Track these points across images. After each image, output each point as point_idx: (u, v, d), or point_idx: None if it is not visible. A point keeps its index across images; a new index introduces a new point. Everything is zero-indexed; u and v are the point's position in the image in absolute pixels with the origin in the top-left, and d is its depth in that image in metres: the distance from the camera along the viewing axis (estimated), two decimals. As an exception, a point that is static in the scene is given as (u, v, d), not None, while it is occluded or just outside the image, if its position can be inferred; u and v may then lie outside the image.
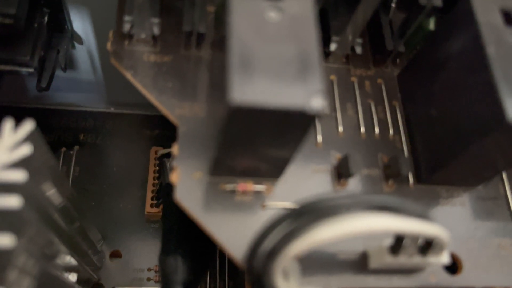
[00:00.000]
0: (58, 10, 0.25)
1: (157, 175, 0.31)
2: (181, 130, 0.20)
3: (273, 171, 0.19)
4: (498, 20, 0.18)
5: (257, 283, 0.16)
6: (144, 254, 0.31)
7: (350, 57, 0.23)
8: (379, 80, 0.23)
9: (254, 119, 0.15)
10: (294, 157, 0.18)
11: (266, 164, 0.18)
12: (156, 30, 0.20)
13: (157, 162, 0.32)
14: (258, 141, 0.16)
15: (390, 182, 0.20)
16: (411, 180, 0.21)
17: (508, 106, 0.16)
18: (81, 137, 0.33)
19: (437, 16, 0.21)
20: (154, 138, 0.34)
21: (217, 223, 0.18)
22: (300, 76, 0.15)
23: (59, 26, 0.26)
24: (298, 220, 0.15)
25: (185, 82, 0.21)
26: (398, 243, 0.17)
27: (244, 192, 0.19)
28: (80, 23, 0.29)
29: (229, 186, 0.19)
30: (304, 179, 0.20)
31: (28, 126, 0.16)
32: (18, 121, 0.34)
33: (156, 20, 0.20)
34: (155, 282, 0.30)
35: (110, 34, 0.21)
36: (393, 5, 0.22)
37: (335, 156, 0.21)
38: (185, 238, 0.22)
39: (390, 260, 0.17)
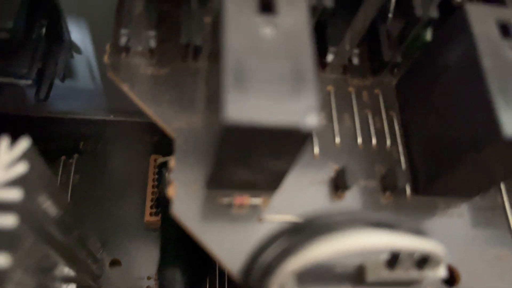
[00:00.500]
0: (56, 20, 0.25)
1: (156, 183, 0.31)
2: (178, 143, 0.20)
3: (269, 184, 0.19)
4: (495, 32, 0.18)
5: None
6: (144, 262, 0.31)
7: (347, 67, 0.23)
8: (377, 90, 0.23)
9: (249, 136, 0.15)
10: (291, 170, 0.18)
11: (263, 177, 0.18)
12: (152, 43, 0.20)
13: (156, 170, 0.32)
14: (254, 156, 0.16)
15: (387, 193, 0.20)
16: (408, 191, 0.21)
17: (503, 121, 0.16)
18: (81, 145, 0.34)
19: (434, 26, 0.20)
20: (154, 146, 0.34)
21: (214, 237, 0.18)
22: (295, 92, 0.15)
23: (57, 37, 0.26)
24: (295, 236, 0.15)
25: (182, 94, 0.21)
26: (395, 257, 0.17)
27: (241, 206, 0.19)
28: (77, 32, 0.29)
29: (225, 200, 0.19)
30: (301, 191, 0.20)
31: (24, 143, 0.16)
32: (17, 129, 0.34)
33: (152, 33, 0.20)
34: (155, 290, 0.30)
35: (107, 46, 0.21)
36: (390, 15, 0.22)
37: (333, 168, 0.21)
38: (183, 250, 0.22)
39: (387, 274, 0.17)
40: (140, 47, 0.21)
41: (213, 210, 0.19)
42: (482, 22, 0.18)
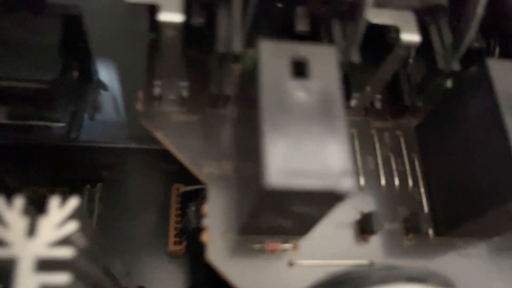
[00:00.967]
0: (86, 62, 0.26)
1: (179, 212, 0.32)
2: (210, 190, 0.21)
3: (300, 230, 0.20)
4: (515, 87, 0.18)
5: None
6: (168, 289, 0.32)
7: (369, 110, 0.24)
8: (398, 132, 0.24)
9: (287, 197, 0.16)
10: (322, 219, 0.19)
11: (295, 225, 0.19)
12: (185, 93, 0.21)
13: (179, 199, 0.32)
14: (288, 210, 0.17)
15: (411, 235, 0.21)
16: (430, 233, 0.21)
17: (526, 177, 0.17)
18: (104, 173, 0.34)
19: (455, 76, 0.21)
20: (175, 173, 0.35)
21: (247, 281, 0.19)
22: (330, 155, 0.16)
23: (88, 78, 0.27)
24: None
25: (212, 141, 0.22)
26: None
27: (272, 251, 0.20)
28: (102, 69, 0.30)
29: (257, 246, 0.20)
30: (328, 235, 0.21)
31: (74, 202, 0.17)
32: (44, 159, 0.35)
33: (184, 84, 0.21)
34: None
35: (140, 94, 0.22)
36: (410, 60, 0.23)
37: (358, 211, 0.21)
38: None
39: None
40: (172, 96, 0.22)
41: (246, 255, 0.20)
42: (503, 77, 0.19)
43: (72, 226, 0.16)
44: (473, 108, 0.20)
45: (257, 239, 0.20)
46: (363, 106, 0.23)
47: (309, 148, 0.16)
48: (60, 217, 0.16)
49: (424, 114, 0.24)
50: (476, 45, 0.22)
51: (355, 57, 0.19)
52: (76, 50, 0.24)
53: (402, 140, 0.23)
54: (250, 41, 0.19)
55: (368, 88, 0.22)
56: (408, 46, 0.19)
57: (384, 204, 0.22)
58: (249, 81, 0.18)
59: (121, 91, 0.32)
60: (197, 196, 0.28)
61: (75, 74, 0.25)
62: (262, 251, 0.20)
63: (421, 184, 0.22)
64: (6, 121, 0.24)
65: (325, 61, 0.17)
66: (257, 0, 0.19)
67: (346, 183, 0.15)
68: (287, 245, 0.20)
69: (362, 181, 0.22)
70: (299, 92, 0.16)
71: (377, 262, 0.20)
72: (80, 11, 0.23)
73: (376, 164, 0.23)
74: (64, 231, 0.16)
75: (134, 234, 0.33)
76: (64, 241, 0.16)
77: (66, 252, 0.16)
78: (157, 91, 0.21)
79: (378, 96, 0.23)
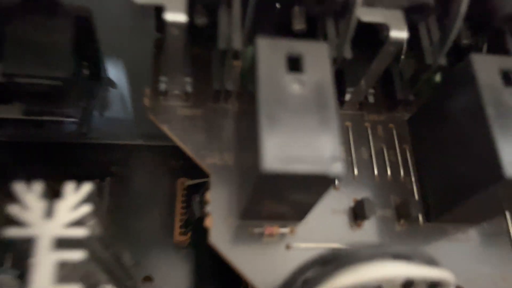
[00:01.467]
0: (96, 61, 0.27)
1: (184, 205, 0.34)
2: (213, 178, 0.22)
3: (297, 215, 0.21)
4: (498, 80, 0.20)
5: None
6: (174, 278, 0.33)
7: (363, 104, 0.25)
8: (391, 125, 0.25)
9: (282, 181, 0.17)
10: (317, 204, 0.20)
11: (292, 210, 0.20)
12: (189, 88, 0.23)
13: (184, 192, 0.34)
14: (285, 194, 0.19)
15: (402, 221, 0.22)
16: (421, 219, 0.23)
17: (506, 163, 0.18)
18: (112, 169, 0.36)
19: (443, 69, 0.23)
20: (180, 168, 0.36)
21: (247, 263, 0.21)
22: (322, 143, 0.17)
23: (97, 76, 0.28)
24: (325, 266, 0.17)
25: (214, 133, 0.23)
26: (410, 283, 0.19)
27: (271, 235, 0.21)
28: (111, 67, 0.32)
29: (257, 230, 0.21)
30: (323, 220, 0.22)
31: (87, 187, 0.18)
32: (54, 156, 0.36)
33: (189, 79, 0.23)
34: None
35: (147, 91, 0.23)
36: (402, 56, 0.24)
37: (352, 198, 0.23)
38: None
39: (403, 297, 0.19)
40: (177, 91, 0.23)
41: (246, 238, 0.21)
42: (486, 71, 0.20)
43: (86, 209, 0.17)
44: (460, 101, 0.21)
45: (256, 223, 0.21)
46: (357, 100, 0.24)
47: (303, 136, 0.17)
48: (75, 200, 0.18)
49: (416, 107, 0.25)
50: (465, 41, 0.23)
51: (347, 53, 0.21)
52: (86, 49, 0.26)
53: (394, 132, 0.25)
54: (250, 39, 0.21)
55: (362, 83, 0.23)
56: (397, 43, 0.20)
57: (377, 193, 0.23)
58: (249, 76, 0.19)
59: (129, 89, 0.34)
60: (201, 189, 0.29)
61: (86, 72, 0.26)
62: (261, 235, 0.21)
63: (412, 173, 0.24)
64: (22, 117, 0.26)
65: (318, 56, 0.18)
66: (256, 0, 0.20)
67: (336, 168, 0.17)
68: (285, 229, 0.21)
69: (356, 171, 0.23)
70: (294, 85, 0.18)
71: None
72: (90, 13, 0.24)
73: (370, 155, 0.24)
74: (79, 213, 0.17)
75: (142, 226, 0.35)
76: (79, 222, 0.17)
77: (81, 232, 0.17)
78: (162, 86, 0.23)
79: (372, 91, 0.24)
